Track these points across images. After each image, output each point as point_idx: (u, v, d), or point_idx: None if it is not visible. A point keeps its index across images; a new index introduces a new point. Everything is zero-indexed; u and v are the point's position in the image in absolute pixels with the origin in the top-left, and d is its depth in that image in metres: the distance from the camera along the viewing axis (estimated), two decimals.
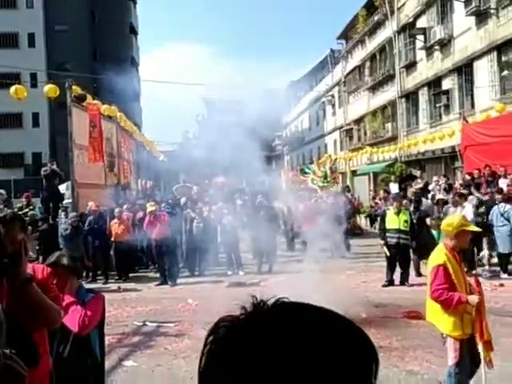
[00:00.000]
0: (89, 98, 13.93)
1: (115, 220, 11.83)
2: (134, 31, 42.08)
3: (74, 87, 12.98)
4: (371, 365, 0.66)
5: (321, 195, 20.47)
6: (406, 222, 9.90)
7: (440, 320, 4.14)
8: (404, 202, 10.84)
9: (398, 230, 9.88)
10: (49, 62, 33.95)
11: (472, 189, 12.37)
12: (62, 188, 14.87)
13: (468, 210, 10.48)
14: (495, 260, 10.99)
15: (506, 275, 10.12)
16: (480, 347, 4.03)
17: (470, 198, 11.37)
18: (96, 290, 3.48)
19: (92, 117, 13.45)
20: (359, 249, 14.90)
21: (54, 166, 13.38)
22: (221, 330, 0.69)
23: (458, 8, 19.62)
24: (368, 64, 29.06)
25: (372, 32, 27.86)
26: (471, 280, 4.23)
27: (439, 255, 4.11)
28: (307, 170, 24.59)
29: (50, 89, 13.10)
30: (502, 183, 12.87)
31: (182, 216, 12.32)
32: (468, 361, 4.09)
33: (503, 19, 17.20)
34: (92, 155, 13.33)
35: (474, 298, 3.93)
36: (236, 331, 0.68)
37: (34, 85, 25.84)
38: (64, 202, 13.72)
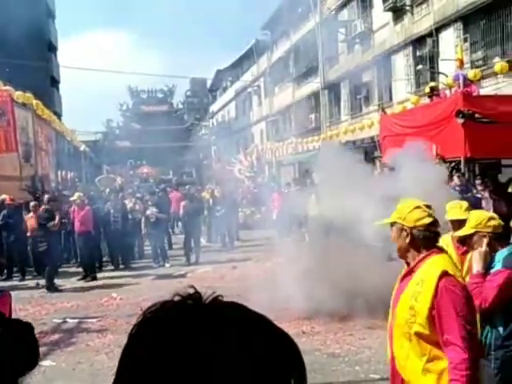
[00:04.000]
0: (0, 85, 13.07)
1: (30, 214, 11.23)
2: (50, 14, 39.87)
3: None
4: (291, 373, 0.63)
5: (248, 185, 20.69)
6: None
7: None
8: None
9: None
10: None
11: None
12: None
13: None
14: None
15: None
16: None
17: None
18: (1, 289, 3.26)
19: (1, 104, 12.61)
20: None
21: None
22: (140, 323, 0.66)
23: (377, 3, 20.39)
24: (292, 55, 29.53)
25: (296, 24, 28.30)
26: None
27: None
28: (233, 160, 24.71)
29: None
30: None
31: (104, 208, 11.96)
32: None
33: (417, 16, 18.09)
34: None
35: None
36: (151, 326, 0.65)
37: None
38: None
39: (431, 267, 2.38)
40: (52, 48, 39.46)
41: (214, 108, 52.38)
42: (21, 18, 32.38)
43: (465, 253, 3.77)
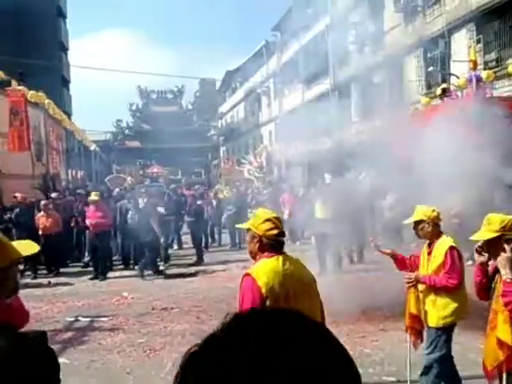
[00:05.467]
0: (14, 84, 13.17)
1: (42, 213, 11.29)
2: (62, 14, 40.14)
3: None
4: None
5: (257, 185, 20.70)
6: (325, 211, 10.14)
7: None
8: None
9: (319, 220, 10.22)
10: None
11: None
12: None
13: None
14: None
15: None
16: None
17: None
18: None
19: (15, 104, 12.70)
20: None
21: None
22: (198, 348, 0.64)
23: (388, 4, 20.32)
24: (302, 56, 29.49)
25: (306, 25, 28.27)
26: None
27: None
28: (243, 161, 24.72)
29: None
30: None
31: (116, 207, 12.00)
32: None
33: (429, 17, 18.01)
34: (12, 144, 12.61)
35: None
36: (213, 348, 0.62)
37: None
38: None
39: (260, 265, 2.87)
40: (63, 48, 39.73)
41: (223, 109, 52.43)
42: (33, 18, 32.63)
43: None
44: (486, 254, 3.24)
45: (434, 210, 4.15)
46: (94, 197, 11.03)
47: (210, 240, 15.05)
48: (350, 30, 23.44)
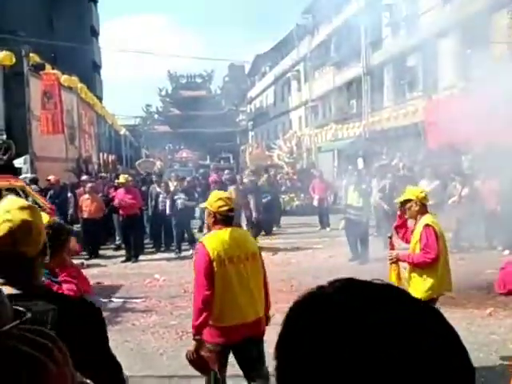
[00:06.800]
0: (47, 68, 13.30)
1: (86, 196, 11.37)
2: None
3: (31, 55, 12.34)
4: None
5: (287, 171, 20.54)
6: (358, 197, 9.99)
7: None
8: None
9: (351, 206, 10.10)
10: (1, 29, 32.21)
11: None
12: (19, 162, 14.24)
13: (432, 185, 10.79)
14: None
15: None
16: None
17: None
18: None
19: (48, 87, 12.83)
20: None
21: (4, 137, 12.79)
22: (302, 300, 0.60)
23: None
24: (334, 39, 28.96)
25: (338, 7, 27.69)
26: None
27: None
28: (273, 146, 24.55)
29: (4, 56, 12.39)
30: (464, 160, 13.15)
31: (149, 190, 12.07)
32: None
33: None
34: (45, 127, 12.75)
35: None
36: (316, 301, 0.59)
37: None
38: (21, 177, 13.15)
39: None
40: (94, 32, 40.03)
41: (252, 93, 52.17)
42: (65, 3, 32.94)
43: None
44: None
45: (422, 191, 4.58)
46: (123, 180, 11.10)
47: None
48: (384, 12, 22.86)
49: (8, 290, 1.48)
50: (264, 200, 14.13)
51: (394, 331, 0.52)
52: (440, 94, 18.16)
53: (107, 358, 1.59)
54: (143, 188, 12.85)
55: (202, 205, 3.84)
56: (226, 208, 3.51)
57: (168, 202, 11.40)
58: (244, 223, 14.54)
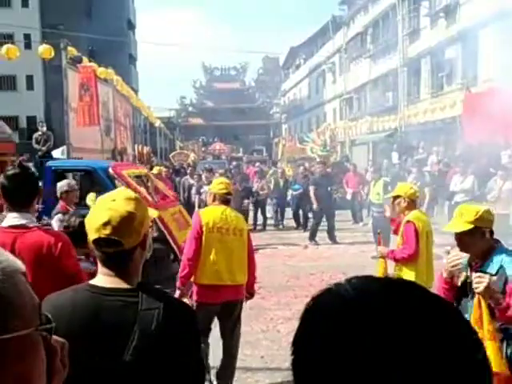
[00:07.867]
0: (84, 61, 13.55)
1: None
2: None
3: (69, 48, 12.59)
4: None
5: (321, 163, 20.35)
6: (377, 194, 9.77)
7: None
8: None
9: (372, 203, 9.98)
10: (43, 23, 33.06)
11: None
12: (57, 153, 14.61)
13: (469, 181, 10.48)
14: None
15: None
16: None
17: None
18: None
19: (85, 79, 13.07)
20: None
21: (44, 129, 13.13)
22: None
23: None
24: (370, 31, 28.44)
25: None
26: None
27: None
28: (306, 139, 24.38)
29: (44, 49, 12.69)
30: (504, 155, 12.72)
31: (184, 182, 12.20)
32: None
33: None
34: (81, 119, 13.01)
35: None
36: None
37: (27, 46, 25.18)
38: None
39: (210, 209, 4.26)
40: (130, 25, 40.62)
41: (285, 86, 51.90)
42: (103, 1, 33.50)
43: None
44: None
45: (411, 188, 4.63)
46: (156, 172, 11.26)
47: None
48: (422, 2, 22.29)
49: (117, 283, 1.50)
50: (296, 193, 14.08)
51: (408, 330, 0.52)
52: (479, 87, 17.60)
53: (199, 361, 1.61)
54: (177, 179, 12.98)
55: (206, 187, 4.34)
56: (224, 191, 4.15)
57: (197, 197, 11.49)
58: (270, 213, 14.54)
